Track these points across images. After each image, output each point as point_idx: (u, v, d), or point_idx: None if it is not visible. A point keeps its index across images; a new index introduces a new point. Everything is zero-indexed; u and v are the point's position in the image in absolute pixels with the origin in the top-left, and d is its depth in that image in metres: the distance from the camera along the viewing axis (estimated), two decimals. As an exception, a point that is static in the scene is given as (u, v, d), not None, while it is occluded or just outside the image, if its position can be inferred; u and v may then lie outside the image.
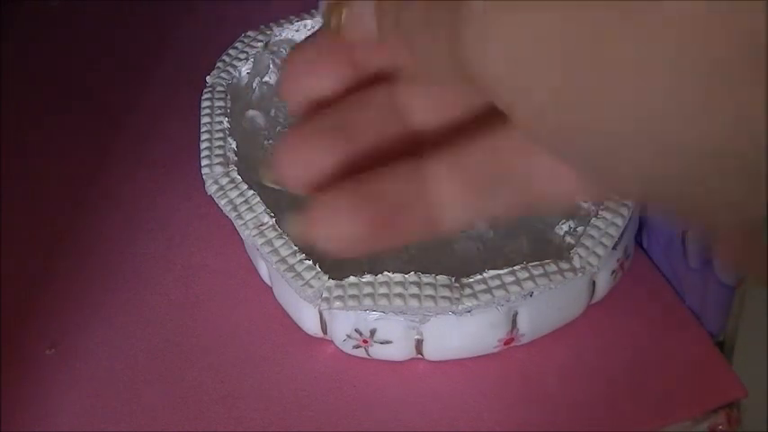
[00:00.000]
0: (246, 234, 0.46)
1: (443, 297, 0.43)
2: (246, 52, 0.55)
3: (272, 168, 0.24)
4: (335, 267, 0.45)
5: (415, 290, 0.43)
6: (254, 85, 0.55)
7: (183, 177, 0.54)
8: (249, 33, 0.56)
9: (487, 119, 0.23)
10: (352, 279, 0.44)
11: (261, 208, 0.47)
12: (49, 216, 0.54)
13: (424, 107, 0.24)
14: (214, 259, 0.51)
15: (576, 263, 0.44)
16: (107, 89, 0.61)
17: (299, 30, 0.57)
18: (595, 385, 0.45)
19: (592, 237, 0.45)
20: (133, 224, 0.53)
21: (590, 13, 0.18)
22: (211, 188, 0.48)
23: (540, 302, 0.45)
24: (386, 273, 0.44)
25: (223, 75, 0.53)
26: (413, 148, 0.24)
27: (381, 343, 0.45)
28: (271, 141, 0.52)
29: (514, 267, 0.44)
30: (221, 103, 0.52)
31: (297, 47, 0.25)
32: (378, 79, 0.24)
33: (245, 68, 0.54)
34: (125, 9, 0.67)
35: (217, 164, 0.49)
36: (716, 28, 0.17)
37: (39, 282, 0.50)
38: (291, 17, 0.57)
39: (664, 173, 0.19)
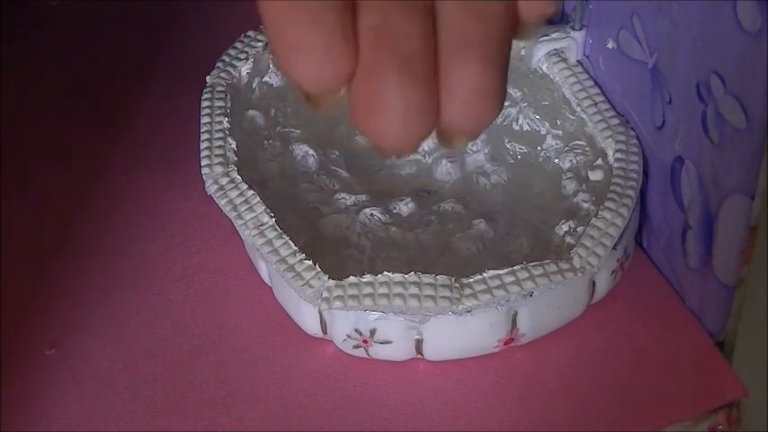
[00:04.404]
0: (246, 234, 0.46)
1: (443, 297, 0.43)
2: (246, 52, 0.55)
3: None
4: (336, 267, 0.45)
5: (415, 290, 0.43)
6: (254, 85, 0.55)
7: (183, 177, 0.54)
8: (249, 33, 0.56)
9: None
10: (352, 279, 0.44)
11: (261, 208, 0.47)
12: (49, 216, 0.54)
13: None
14: (214, 259, 0.51)
15: (576, 263, 0.44)
16: (107, 89, 0.61)
17: (299, 30, 0.57)
18: (595, 385, 0.45)
19: (592, 237, 0.45)
20: (133, 224, 0.53)
21: None
22: (211, 188, 0.48)
23: (540, 302, 0.45)
24: (386, 273, 0.44)
25: (223, 75, 0.53)
26: None
27: (381, 343, 0.45)
28: (271, 141, 0.52)
29: (514, 267, 0.44)
30: (221, 103, 0.52)
31: None
32: None
33: (245, 68, 0.54)
34: (125, 9, 0.67)
35: (217, 164, 0.49)
36: None
37: (39, 282, 0.50)
38: (291, 17, 0.57)
39: None
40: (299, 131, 0.53)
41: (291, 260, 0.45)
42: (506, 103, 0.53)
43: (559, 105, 0.53)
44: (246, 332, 0.48)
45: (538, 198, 0.50)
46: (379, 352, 0.45)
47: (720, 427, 0.45)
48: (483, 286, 0.43)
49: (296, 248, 0.45)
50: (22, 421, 0.45)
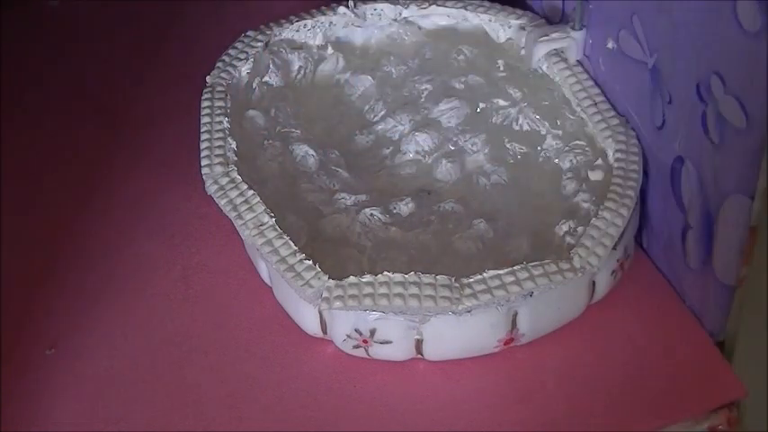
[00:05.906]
0: (246, 234, 0.46)
1: (443, 297, 0.43)
2: (246, 52, 0.55)
3: None
4: (336, 267, 0.45)
5: (414, 290, 0.43)
6: (254, 85, 0.55)
7: (183, 177, 0.54)
8: (249, 33, 0.56)
9: None
10: (352, 279, 0.44)
11: (261, 208, 0.47)
12: (49, 216, 0.54)
13: None
14: (214, 259, 0.51)
15: (576, 263, 0.44)
16: (107, 89, 0.61)
17: (299, 30, 0.57)
18: (595, 385, 0.45)
19: (592, 237, 0.45)
20: (133, 224, 0.53)
21: None
22: (211, 188, 0.48)
23: (540, 302, 0.45)
24: (386, 273, 0.44)
25: (223, 75, 0.54)
26: None
27: (381, 343, 0.45)
28: (271, 141, 0.52)
29: (514, 267, 0.44)
30: (221, 103, 0.52)
31: None
32: None
33: (245, 68, 0.54)
34: (125, 9, 0.67)
35: (217, 164, 0.49)
36: None
37: (39, 282, 0.50)
38: (291, 17, 0.57)
39: None
40: (298, 131, 0.53)
41: (291, 260, 0.45)
42: (506, 103, 0.53)
43: (559, 105, 0.53)
44: (246, 332, 0.48)
45: (538, 198, 0.50)
46: (379, 352, 0.45)
47: (720, 427, 0.45)
48: (483, 286, 0.43)
49: (296, 248, 0.45)
50: (22, 421, 0.45)
